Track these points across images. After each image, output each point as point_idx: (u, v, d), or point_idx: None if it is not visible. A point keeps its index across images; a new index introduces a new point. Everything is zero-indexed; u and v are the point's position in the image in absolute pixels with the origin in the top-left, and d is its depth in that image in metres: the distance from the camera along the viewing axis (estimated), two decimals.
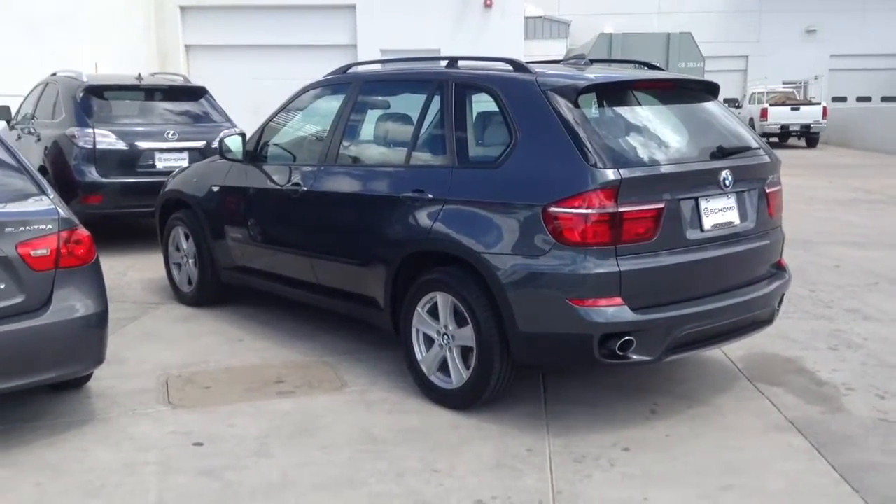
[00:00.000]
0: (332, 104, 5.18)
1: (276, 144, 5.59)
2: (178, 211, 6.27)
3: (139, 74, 9.08)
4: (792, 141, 26.34)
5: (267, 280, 5.57)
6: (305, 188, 5.03)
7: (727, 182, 4.08)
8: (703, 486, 3.43)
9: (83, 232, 3.92)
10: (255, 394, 4.44)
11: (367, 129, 5.11)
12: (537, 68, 4.25)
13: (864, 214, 11.26)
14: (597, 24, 30.09)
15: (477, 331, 4.00)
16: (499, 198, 3.97)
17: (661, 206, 3.83)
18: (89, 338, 3.93)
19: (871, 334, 5.52)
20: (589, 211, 3.67)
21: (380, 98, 5.22)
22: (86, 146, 8.04)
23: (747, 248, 4.26)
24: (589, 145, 3.77)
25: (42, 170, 8.11)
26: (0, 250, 3.62)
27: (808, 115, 25.52)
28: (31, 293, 3.71)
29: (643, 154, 3.99)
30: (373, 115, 5.12)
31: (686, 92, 4.62)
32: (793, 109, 25.75)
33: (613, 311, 3.72)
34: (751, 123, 25.21)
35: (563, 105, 3.92)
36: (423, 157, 4.56)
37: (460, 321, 4.12)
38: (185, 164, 7.84)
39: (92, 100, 8.37)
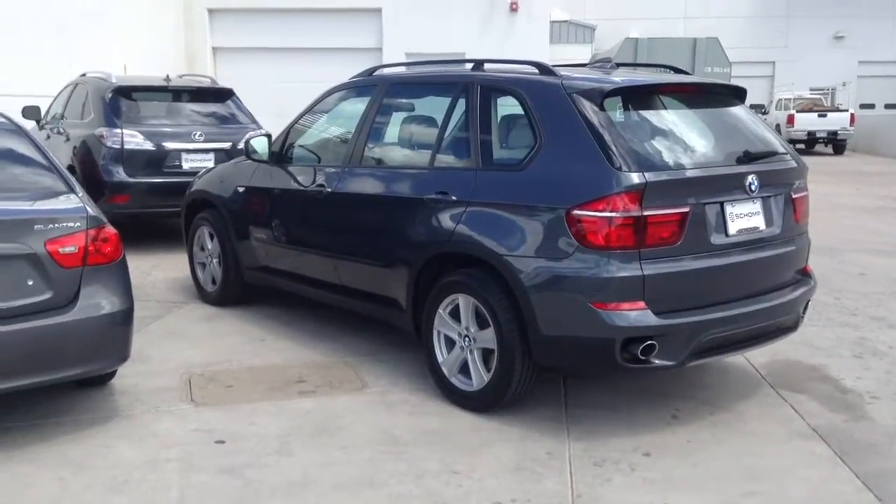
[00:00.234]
0: (358, 106, 5.20)
1: (301, 146, 5.63)
2: (204, 211, 6.32)
3: (167, 76, 9.17)
4: (819, 148, 26.07)
5: (290, 280, 5.60)
6: (330, 189, 5.06)
7: (753, 187, 4.05)
8: (724, 492, 3.41)
9: (111, 230, 3.96)
10: (276, 393, 4.47)
11: (392, 131, 5.13)
12: (563, 71, 4.25)
13: (891, 222, 11.12)
14: (622, 29, 29.97)
15: (498, 333, 4.00)
16: (522, 200, 3.97)
17: (685, 210, 3.81)
18: (115, 335, 3.97)
19: None
20: (613, 214, 3.66)
21: (405, 100, 5.23)
22: (114, 146, 8.13)
23: (772, 253, 4.23)
24: (614, 148, 3.76)
25: (70, 169, 8.19)
26: (29, 247, 3.67)
27: (836, 121, 25.25)
28: (58, 290, 3.76)
29: (668, 158, 3.97)
30: (398, 118, 5.14)
31: (712, 96, 4.60)
32: (820, 116, 25.48)
33: (636, 315, 3.71)
34: (777, 130, 24.95)
35: (589, 108, 3.91)
36: (447, 159, 4.57)
37: (482, 323, 4.12)
38: (211, 164, 7.90)
39: (120, 100, 8.46)
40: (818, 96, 28.79)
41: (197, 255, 6.47)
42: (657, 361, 3.78)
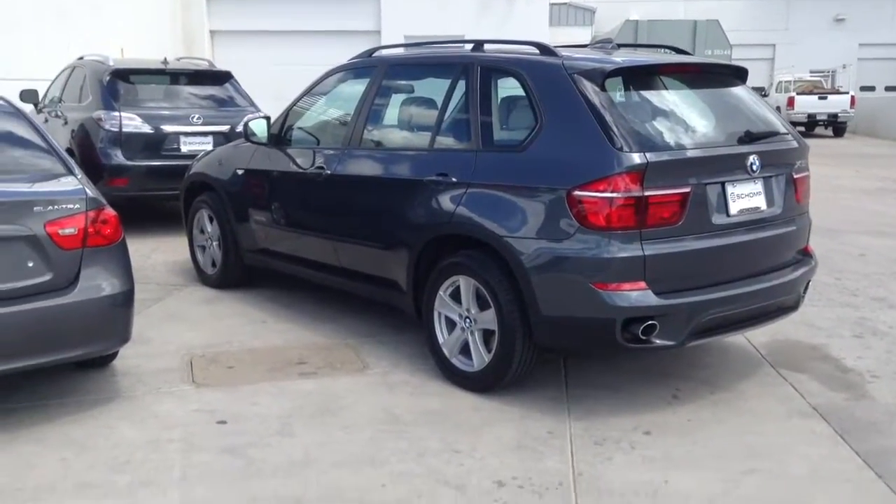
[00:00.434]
0: (357, 88, 5.18)
1: (300, 128, 5.60)
2: (203, 194, 6.31)
3: (165, 59, 9.13)
4: (819, 130, 26.01)
5: (290, 263, 5.60)
6: (329, 171, 5.04)
7: (754, 167, 4.04)
8: (724, 469, 3.42)
9: (110, 212, 3.96)
10: (277, 374, 4.47)
11: (392, 112, 5.11)
12: (564, 52, 4.23)
13: (891, 204, 11.12)
14: (622, 11, 29.84)
15: (499, 314, 4.00)
16: (523, 181, 3.96)
17: (686, 190, 3.80)
18: (115, 316, 3.97)
19: None
20: (614, 195, 3.65)
21: (404, 82, 5.21)
22: (112, 129, 8.10)
23: (773, 233, 4.22)
24: (615, 129, 3.75)
25: (69, 152, 8.15)
26: (28, 229, 3.66)
27: (836, 104, 25.18)
28: (58, 271, 3.75)
29: (669, 138, 3.96)
30: (397, 99, 5.12)
31: (714, 76, 4.58)
32: (820, 98, 25.42)
33: (637, 295, 3.71)
34: (777, 112, 24.89)
35: (590, 89, 3.90)
36: (447, 140, 4.55)
37: (482, 304, 4.12)
38: (209, 147, 7.87)
39: (118, 84, 8.43)
40: (818, 79, 28.70)
41: (196, 237, 6.46)
42: (658, 341, 3.79)
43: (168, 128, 8.32)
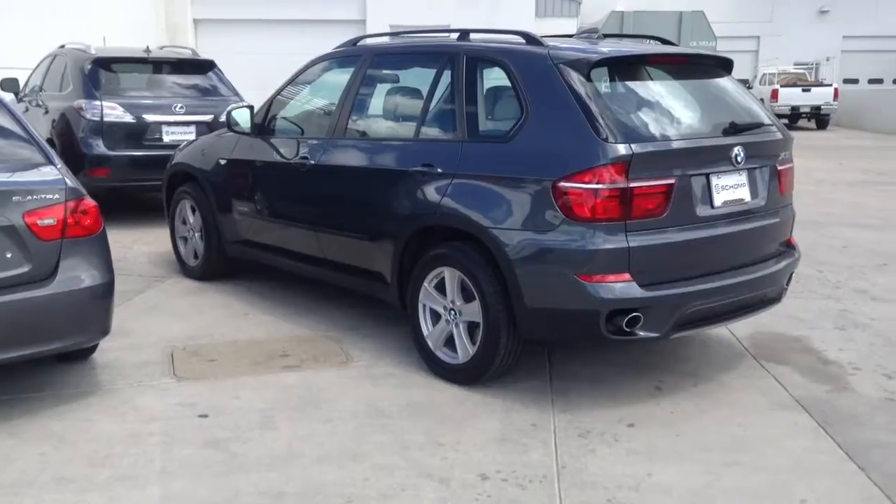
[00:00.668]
0: (341, 77, 5.13)
1: (284, 118, 5.55)
2: (185, 184, 6.25)
3: (147, 47, 9.04)
4: (802, 122, 26.15)
5: (273, 254, 5.55)
6: (313, 162, 5.00)
7: (739, 158, 4.03)
8: (707, 462, 3.43)
9: (90, 202, 3.90)
10: (260, 367, 4.44)
11: (377, 102, 5.07)
12: (550, 41, 4.21)
13: (874, 196, 11.18)
14: (608, 2, 29.85)
15: (484, 306, 3.98)
16: (508, 172, 3.93)
17: (671, 181, 3.79)
18: (95, 308, 3.92)
19: (878, 314, 5.49)
20: (599, 186, 3.64)
21: (389, 71, 5.17)
22: (93, 119, 8.01)
23: (757, 225, 4.22)
24: (600, 120, 3.73)
25: (50, 142, 8.07)
26: (6, 219, 3.60)
27: (819, 96, 25.32)
28: (37, 263, 3.70)
29: (655, 129, 3.94)
30: (382, 89, 5.08)
31: (699, 67, 4.57)
32: (804, 91, 25.54)
33: (621, 287, 3.70)
34: None
35: (576, 79, 3.87)
36: (432, 131, 4.52)
37: (467, 296, 4.10)
38: (192, 137, 7.80)
39: (100, 72, 8.34)
40: (802, 71, 28.86)
41: (179, 229, 6.40)
42: (642, 333, 3.78)
43: (150, 117, 8.24)
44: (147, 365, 4.43)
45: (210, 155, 6.01)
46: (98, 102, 8.06)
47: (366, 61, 5.01)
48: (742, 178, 4.12)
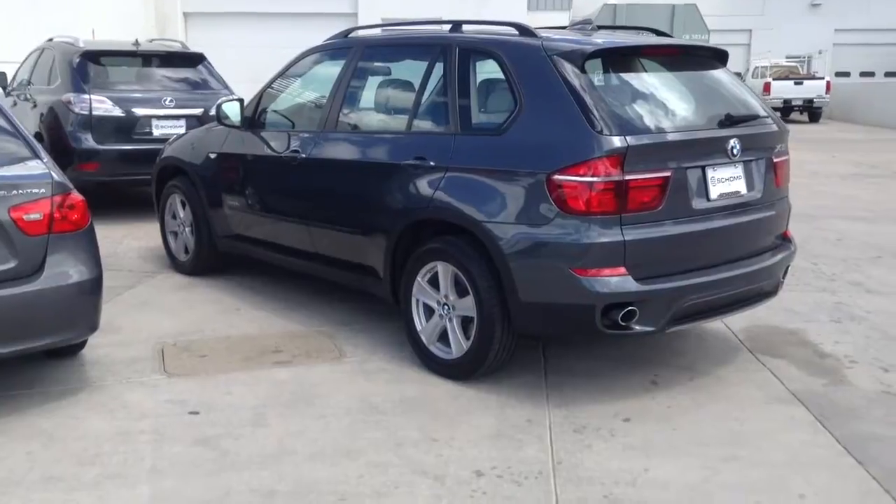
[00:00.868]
0: (333, 70, 5.08)
1: (274, 111, 5.50)
2: (175, 178, 6.18)
3: (136, 40, 8.95)
4: (794, 115, 26.15)
5: (264, 249, 5.49)
6: (304, 155, 4.94)
7: (735, 151, 4.00)
8: (704, 456, 3.39)
9: (77, 196, 3.84)
10: (251, 363, 4.39)
11: (368, 95, 5.02)
12: (543, 33, 4.15)
13: (867, 189, 11.19)
14: None
15: (478, 301, 3.94)
16: (502, 165, 3.89)
17: (667, 174, 3.75)
18: (83, 304, 3.87)
19: (874, 307, 5.47)
20: (594, 179, 3.59)
21: (381, 63, 5.11)
22: (82, 112, 7.93)
23: (753, 218, 4.19)
24: (595, 112, 3.68)
25: (38, 136, 8.01)
26: None
27: (812, 89, 25.36)
28: (23, 258, 3.64)
29: (650, 121, 3.90)
30: (374, 81, 5.02)
31: (694, 59, 4.53)
32: (796, 84, 25.58)
33: (617, 281, 3.66)
34: None
35: (570, 70, 3.83)
36: (424, 123, 4.47)
37: (461, 291, 4.05)
38: (182, 131, 7.73)
39: (88, 65, 8.25)
40: (794, 64, 28.88)
41: (169, 223, 6.34)
42: (637, 327, 3.75)
43: (140, 111, 8.16)
44: (137, 361, 4.38)
45: (200, 149, 5.95)
46: (87, 96, 7.97)
47: (357, 53, 4.96)
48: (738, 170, 4.09)
